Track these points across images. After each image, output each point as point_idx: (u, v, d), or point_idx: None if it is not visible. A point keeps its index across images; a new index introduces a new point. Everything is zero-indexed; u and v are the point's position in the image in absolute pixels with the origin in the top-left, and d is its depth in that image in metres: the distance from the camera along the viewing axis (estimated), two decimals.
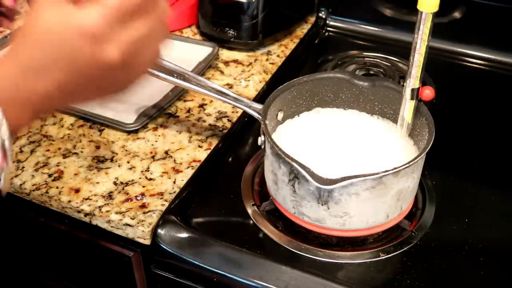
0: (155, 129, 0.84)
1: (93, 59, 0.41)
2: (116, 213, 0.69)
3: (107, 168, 0.76)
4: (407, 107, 0.67)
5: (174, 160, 0.77)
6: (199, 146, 0.80)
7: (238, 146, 0.81)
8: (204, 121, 0.85)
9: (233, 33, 1.00)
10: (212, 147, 0.79)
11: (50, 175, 0.75)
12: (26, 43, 0.42)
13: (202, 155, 0.78)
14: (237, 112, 0.86)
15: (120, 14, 0.41)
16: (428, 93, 0.87)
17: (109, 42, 0.41)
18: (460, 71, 0.99)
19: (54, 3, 0.41)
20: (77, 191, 0.73)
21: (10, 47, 0.43)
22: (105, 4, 0.41)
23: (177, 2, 1.10)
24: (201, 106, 0.88)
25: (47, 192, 0.72)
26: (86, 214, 0.70)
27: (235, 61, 1.00)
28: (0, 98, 0.41)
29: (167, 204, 0.70)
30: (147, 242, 0.68)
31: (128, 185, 0.73)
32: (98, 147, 0.80)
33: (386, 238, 0.67)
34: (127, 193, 0.72)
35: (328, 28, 1.08)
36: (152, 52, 0.45)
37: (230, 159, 0.79)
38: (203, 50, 0.99)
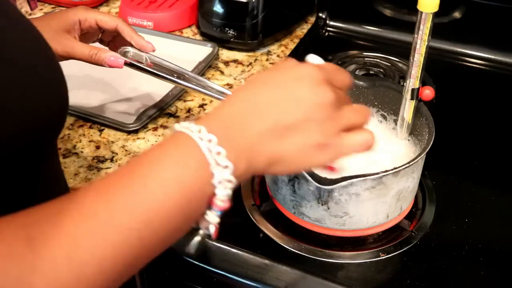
0: (155, 129, 0.84)
1: (313, 92, 0.45)
2: None
3: (107, 168, 0.76)
4: (407, 107, 0.67)
5: None
6: None
7: None
8: None
9: (233, 33, 1.00)
10: None
11: None
12: (248, 86, 0.46)
13: None
14: None
15: (331, 74, 0.47)
16: (428, 93, 0.87)
17: (326, 85, 0.46)
18: (460, 71, 0.99)
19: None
20: None
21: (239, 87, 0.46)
22: (321, 66, 0.48)
23: (177, 2, 1.10)
24: (201, 106, 0.88)
25: None
26: None
27: (235, 61, 1.00)
28: (220, 136, 0.41)
29: None
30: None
31: None
32: (98, 147, 0.80)
33: (386, 238, 0.67)
34: None
35: (328, 28, 1.08)
36: (356, 116, 0.48)
37: None
38: (203, 50, 0.99)
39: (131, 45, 0.77)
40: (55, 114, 0.47)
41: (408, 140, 0.70)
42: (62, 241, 0.36)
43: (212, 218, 0.42)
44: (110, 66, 0.73)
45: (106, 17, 0.76)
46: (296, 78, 0.46)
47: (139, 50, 0.76)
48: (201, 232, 0.43)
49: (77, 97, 0.88)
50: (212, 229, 0.42)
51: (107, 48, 0.79)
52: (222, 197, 0.41)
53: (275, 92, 0.45)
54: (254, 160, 0.43)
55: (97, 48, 0.73)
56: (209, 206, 0.42)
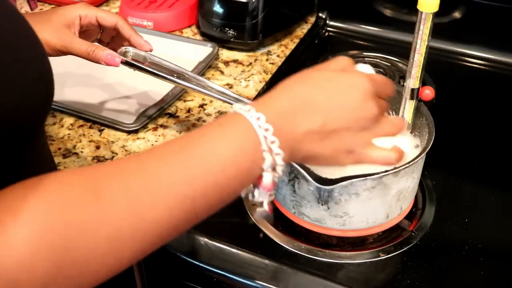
0: (155, 129, 0.84)
1: (361, 106, 0.48)
2: None
3: None
4: (407, 107, 0.67)
5: None
6: None
7: None
8: (204, 121, 0.85)
9: (233, 33, 1.00)
10: None
11: None
12: (301, 82, 0.49)
13: None
14: None
15: (378, 87, 0.50)
16: (428, 93, 0.87)
17: (373, 99, 0.49)
18: (460, 71, 0.99)
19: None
20: None
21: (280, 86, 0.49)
22: (372, 76, 0.51)
23: (177, 2, 1.10)
24: (201, 106, 0.88)
25: None
26: None
27: (235, 61, 1.00)
28: (275, 127, 0.45)
29: None
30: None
31: None
32: (98, 147, 0.80)
33: (386, 238, 0.67)
34: None
35: (328, 28, 1.08)
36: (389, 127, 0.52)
37: None
38: (203, 50, 0.99)
39: (130, 45, 0.77)
40: (38, 99, 0.47)
41: (413, 134, 0.70)
42: (127, 196, 0.40)
43: (258, 196, 0.46)
44: (107, 64, 0.73)
45: (106, 14, 0.77)
46: (350, 87, 0.49)
47: (138, 49, 0.77)
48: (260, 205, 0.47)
49: (77, 97, 0.88)
50: (266, 206, 0.47)
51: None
52: (269, 180, 0.45)
53: (328, 96, 0.48)
54: (295, 153, 0.47)
55: (95, 45, 0.73)
56: (256, 185, 0.46)
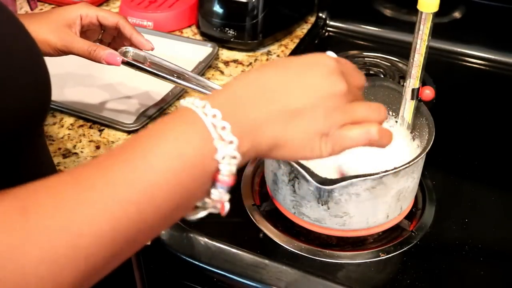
0: None
1: (325, 81, 0.44)
2: None
3: None
4: (407, 107, 0.67)
5: None
6: None
7: None
8: None
9: (233, 33, 1.00)
10: None
11: None
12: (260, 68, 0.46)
13: None
14: None
15: (342, 66, 0.47)
16: (428, 93, 0.87)
17: (339, 75, 0.45)
18: (460, 71, 0.99)
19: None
20: None
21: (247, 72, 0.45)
22: (337, 59, 0.47)
23: (177, 2, 1.10)
24: None
25: None
26: None
27: (235, 61, 1.00)
28: (225, 112, 0.41)
29: None
30: (147, 242, 0.68)
31: None
32: (98, 147, 0.80)
33: (386, 238, 0.67)
34: None
35: (328, 28, 1.08)
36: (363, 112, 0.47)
37: None
38: (203, 50, 0.99)
39: (131, 45, 0.77)
40: (34, 104, 0.46)
41: (413, 134, 0.70)
42: (59, 211, 0.35)
43: (218, 195, 0.41)
44: (108, 64, 0.73)
45: (107, 14, 0.77)
46: (310, 65, 0.45)
47: (138, 48, 0.77)
48: (209, 207, 0.42)
49: (77, 97, 0.88)
50: (219, 206, 0.41)
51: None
52: (226, 172, 0.40)
53: (287, 77, 0.44)
54: (258, 140, 0.42)
55: (96, 45, 0.73)
56: (214, 183, 0.41)
